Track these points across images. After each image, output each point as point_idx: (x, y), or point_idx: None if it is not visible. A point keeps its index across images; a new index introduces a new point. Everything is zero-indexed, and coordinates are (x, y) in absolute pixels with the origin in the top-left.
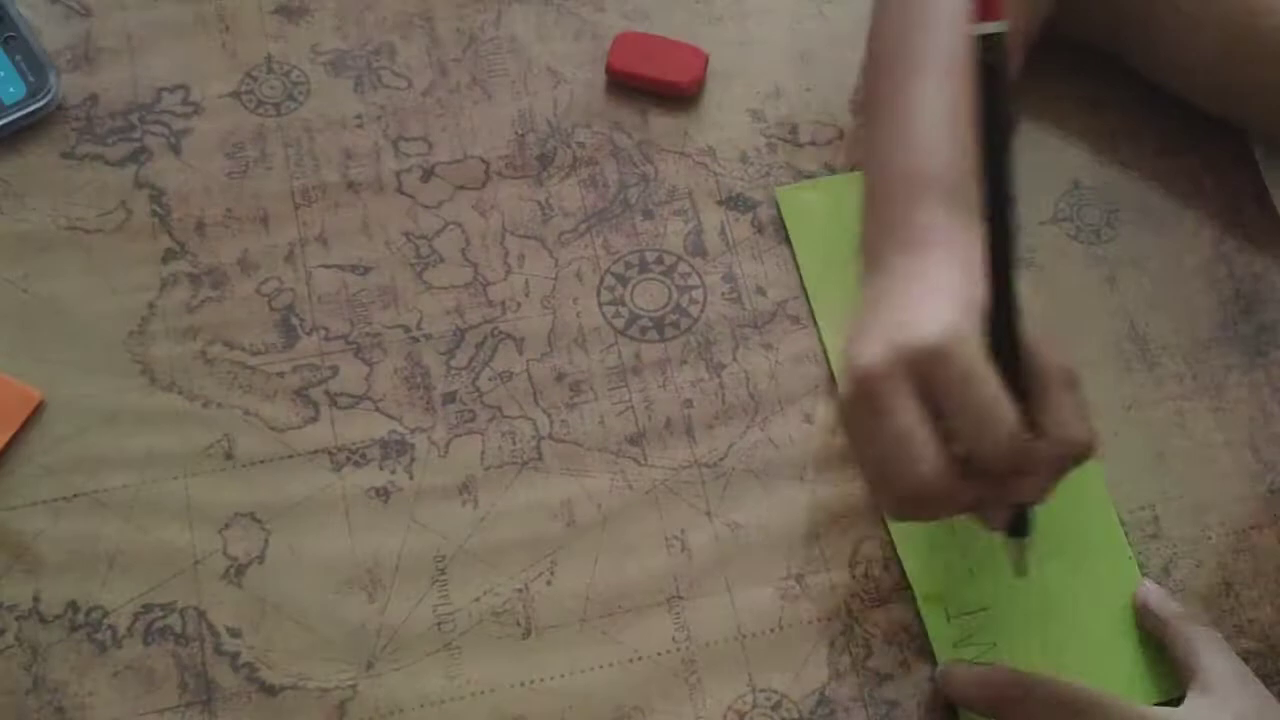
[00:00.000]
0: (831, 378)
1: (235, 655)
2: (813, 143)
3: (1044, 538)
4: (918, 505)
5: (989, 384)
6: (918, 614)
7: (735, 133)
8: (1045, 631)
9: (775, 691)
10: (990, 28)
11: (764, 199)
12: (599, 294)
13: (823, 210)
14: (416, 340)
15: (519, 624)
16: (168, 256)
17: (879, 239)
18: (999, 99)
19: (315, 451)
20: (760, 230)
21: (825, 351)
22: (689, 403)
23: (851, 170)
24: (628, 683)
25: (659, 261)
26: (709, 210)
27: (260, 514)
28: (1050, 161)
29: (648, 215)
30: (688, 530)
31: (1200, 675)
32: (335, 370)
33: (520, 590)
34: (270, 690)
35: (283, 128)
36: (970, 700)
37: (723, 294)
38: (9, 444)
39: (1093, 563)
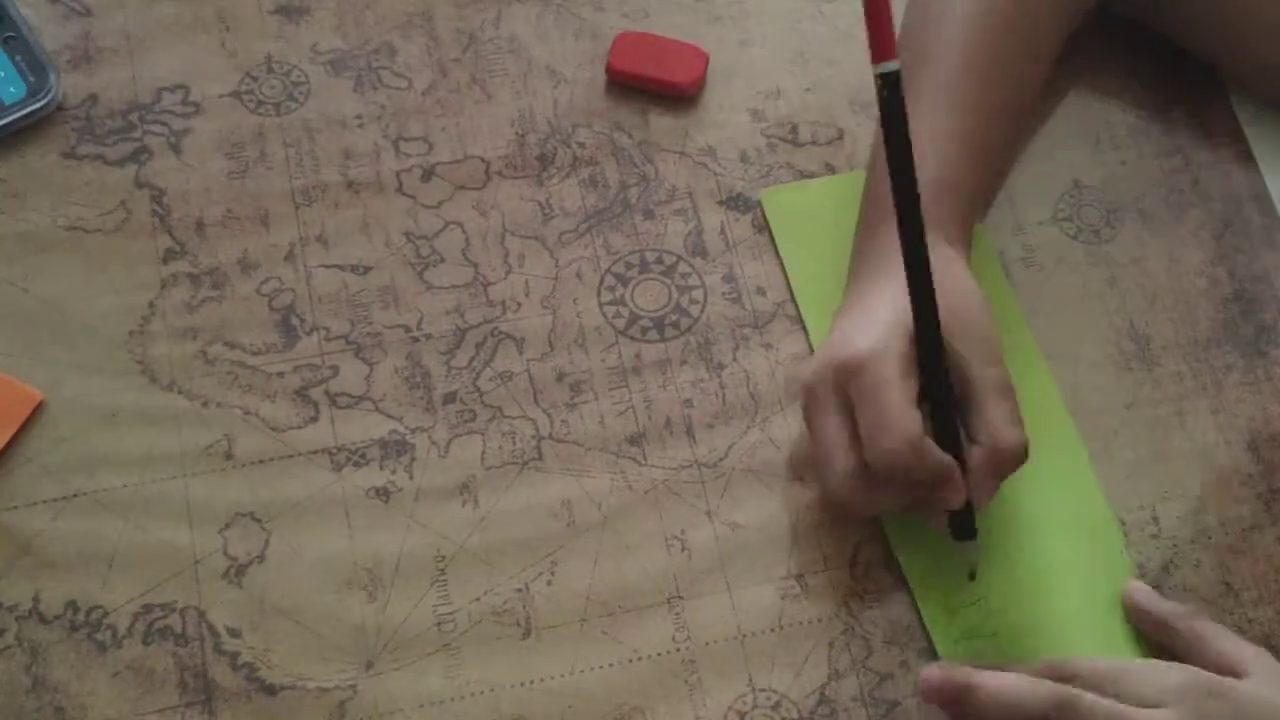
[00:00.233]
0: None
1: (235, 655)
2: (813, 142)
3: (1039, 530)
4: (837, 505)
5: (891, 394)
6: (918, 613)
7: (735, 132)
8: (1044, 622)
9: (775, 691)
10: (885, 68)
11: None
12: (599, 294)
13: (807, 212)
14: (417, 340)
15: (519, 624)
16: (168, 256)
17: (854, 254)
18: (900, 134)
19: (315, 451)
20: (760, 230)
21: (814, 351)
22: (689, 403)
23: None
24: (628, 683)
25: (659, 261)
26: (709, 210)
27: (260, 514)
28: (1050, 161)
29: (648, 215)
30: (688, 530)
31: (1239, 662)
32: (335, 370)
33: (520, 590)
34: (270, 690)
35: (283, 128)
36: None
37: (723, 294)
38: (9, 444)
39: (1090, 554)
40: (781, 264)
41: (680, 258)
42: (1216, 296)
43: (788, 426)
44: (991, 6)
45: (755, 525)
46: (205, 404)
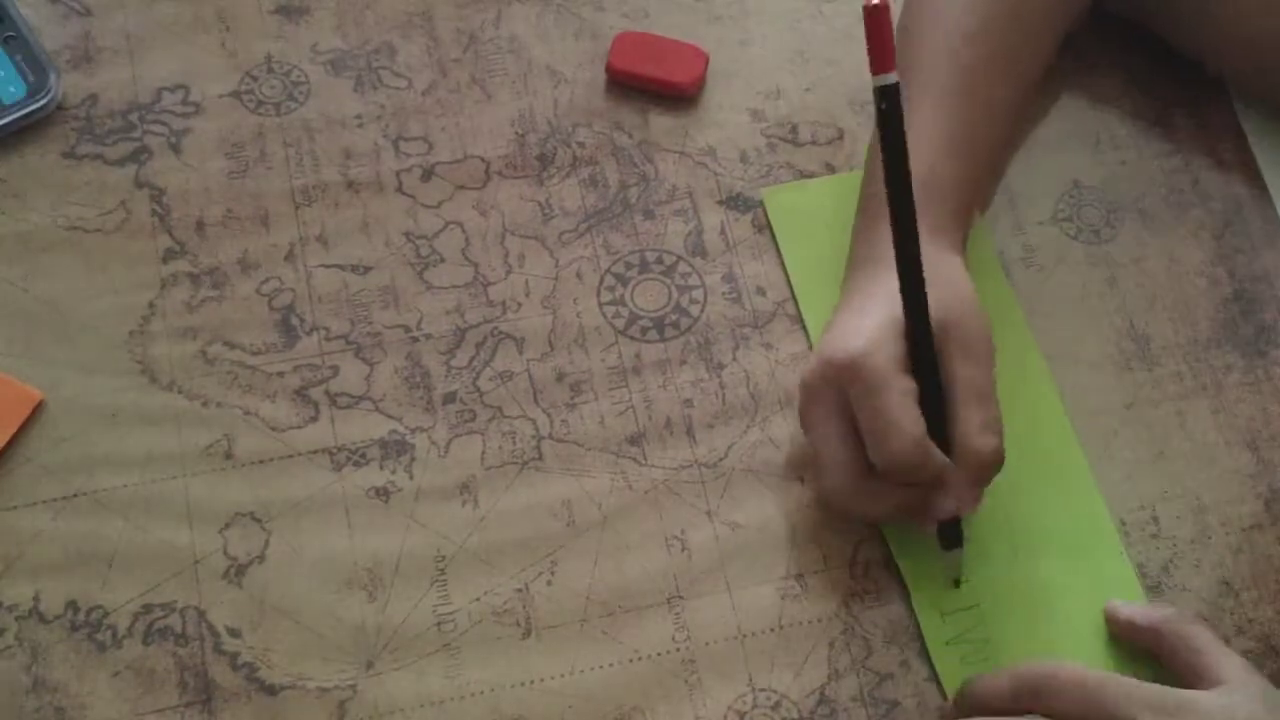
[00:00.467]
0: None
1: (235, 655)
2: (813, 142)
3: (1033, 535)
4: (831, 507)
5: (892, 395)
6: (914, 612)
7: (735, 132)
8: (1036, 628)
9: (775, 691)
10: (883, 80)
11: (764, 199)
12: (599, 294)
13: (809, 211)
14: (417, 340)
15: (519, 624)
16: (168, 256)
17: (851, 253)
18: (897, 145)
19: (315, 451)
20: (760, 230)
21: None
22: (689, 403)
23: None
24: (628, 683)
25: (659, 261)
26: (709, 210)
27: (260, 514)
28: (1050, 161)
29: (648, 215)
30: (688, 530)
31: (1213, 671)
32: (335, 370)
33: (520, 590)
34: (270, 690)
35: (283, 127)
36: (1002, 703)
37: (723, 294)
38: (9, 444)
39: (1084, 560)
40: (782, 263)
41: (680, 258)
42: (1216, 296)
43: (788, 426)
44: (988, 6)
45: (755, 525)
46: (205, 404)
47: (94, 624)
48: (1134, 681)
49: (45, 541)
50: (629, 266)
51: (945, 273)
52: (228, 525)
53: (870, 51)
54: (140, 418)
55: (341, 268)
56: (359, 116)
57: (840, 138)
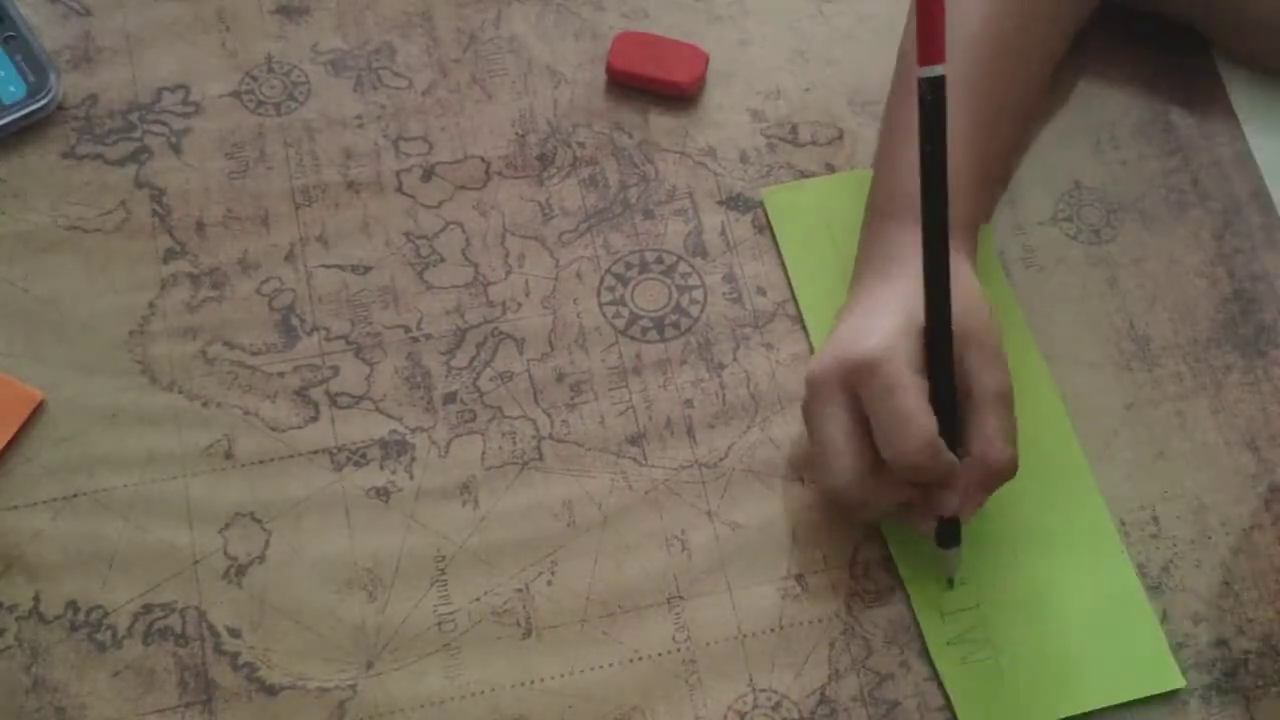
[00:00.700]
0: None
1: (235, 655)
2: (813, 142)
3: (1034, 535)
4: (835, 505)
5: (908, 395)
6: (915, 613)
7: (735, 132)
8: (1036, 628)
9: (775, 691)
10: (931, 72)
11: (764, 199)
12: (599, 294)
13: (809, 211)
14: (417, 340)
15: (519, 624)
16: (168, 256)
17: (860, 252)
18: (938, 137)
19: (316, 451)
20: (761, 230)
21: (814, 350)
22: (689, 403)
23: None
24: (628, 683)
25: (659, 261)
26: (709, 210)
27: (260, 514)
28: (1050, 161)
29: (648, 215)
30: (688, 530)
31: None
32: (336, 370)
33: (520, 590)
34: (270, 690)
35: (283, 127)
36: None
37: (723, 294)
38: (9, 444)
39: (1084, 560)
40: (783, 263)
41: (680, 258)
42: (1216, 296)
43: (788, 427)
44: (1000, 9)
45: (755, 525)
46: (205, 404)
47: (94, 624)
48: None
49: (45, 541)
50: (629, 267)
51: (959, 275)
52: (228, 525)
53: (920, 41)
54: (140, 418)
55: (342, 268)
56: (359, 116)
57: (840, 138)
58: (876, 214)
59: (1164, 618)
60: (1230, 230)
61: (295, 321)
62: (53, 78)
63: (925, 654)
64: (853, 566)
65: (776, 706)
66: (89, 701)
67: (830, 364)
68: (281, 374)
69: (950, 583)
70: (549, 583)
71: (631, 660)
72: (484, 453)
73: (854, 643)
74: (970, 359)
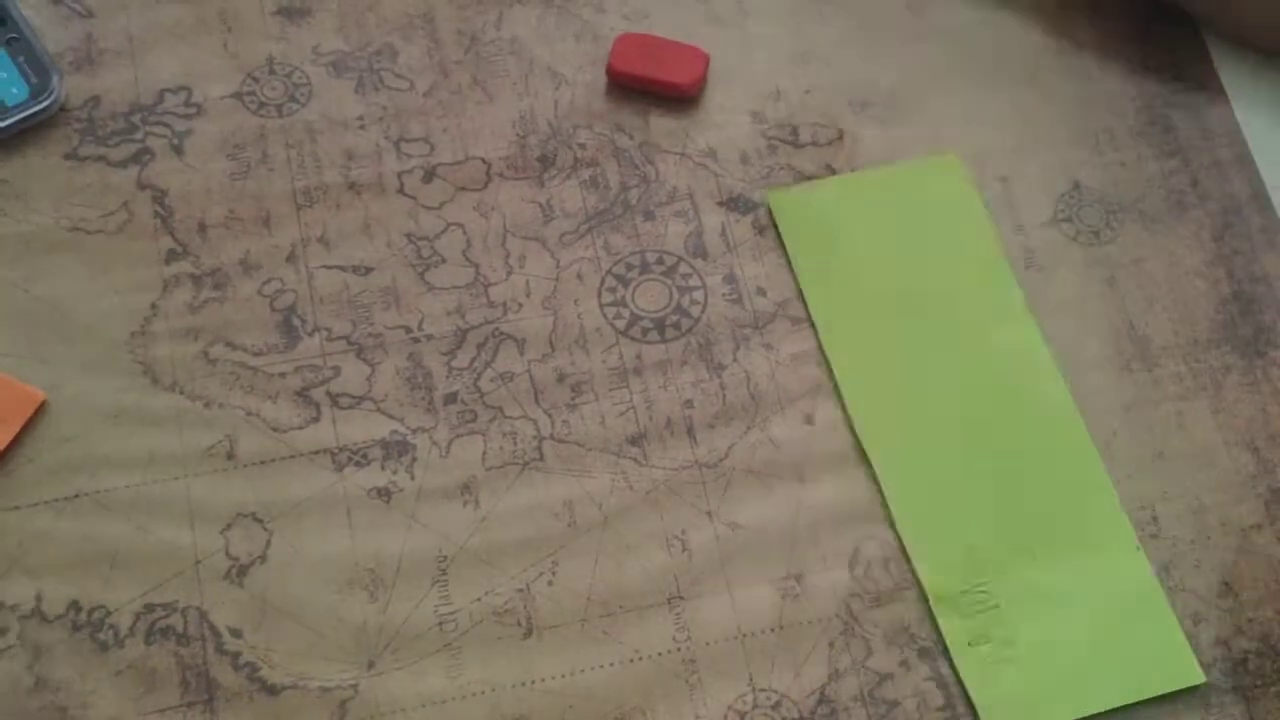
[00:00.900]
0: (831, 378)
1: (237, 655)
2: (813, 143)
3: (1050, 532)
4: None
5: None
6: (926, 615)
7: (736, 134)
8: (1055, 624)
9: (775, 691)
10: None
11: (764, 200)
12: (600, 295)
13: (814, 212)
14: (418, 341)
15: (520, 624)
16: (170, 257)
17: None
18: None
19: (317, 452)
20: (761, 232)
21: (823, 351)
22: (690, 403)
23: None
24: (628, 683)
25: (660, 262)
26: (710, 211)
27: (262, 514)
28: (1050, 162)
29: (648, 216)
30: (688, 530)
31: None
32: (337, 371)
33: (521, 590)
34: (272, 690)
35: (285, 129)
36: None
37: (723, 295)
38: (11, 444)
39: (1099, 555)
40: (787, 263)
41: (681, 258)
42: (1216, 297)
43: (788, 427)
44: None
45: (755, 525)
46: (207, 404)
47: (96, 624)
48: None
49: (47, 541)
50: (630, 267)
51: None
52: (229, 525)
53: None
54: (142, 418)
55: (343, 269)
56: (360, 118)
57: (840, 139)
58: None
59: None
60: (1230, 231)
61: (296, 322)
62: (55, 79)
63: (925, 654)
64: (853, 566)
65: (776, 706)
66: (91, 701)
67: None
68: (283, 374)
69: None
70: (550, 583)
71: (632, 660)
72: (485, 453)
73: (854, 643)
74: None
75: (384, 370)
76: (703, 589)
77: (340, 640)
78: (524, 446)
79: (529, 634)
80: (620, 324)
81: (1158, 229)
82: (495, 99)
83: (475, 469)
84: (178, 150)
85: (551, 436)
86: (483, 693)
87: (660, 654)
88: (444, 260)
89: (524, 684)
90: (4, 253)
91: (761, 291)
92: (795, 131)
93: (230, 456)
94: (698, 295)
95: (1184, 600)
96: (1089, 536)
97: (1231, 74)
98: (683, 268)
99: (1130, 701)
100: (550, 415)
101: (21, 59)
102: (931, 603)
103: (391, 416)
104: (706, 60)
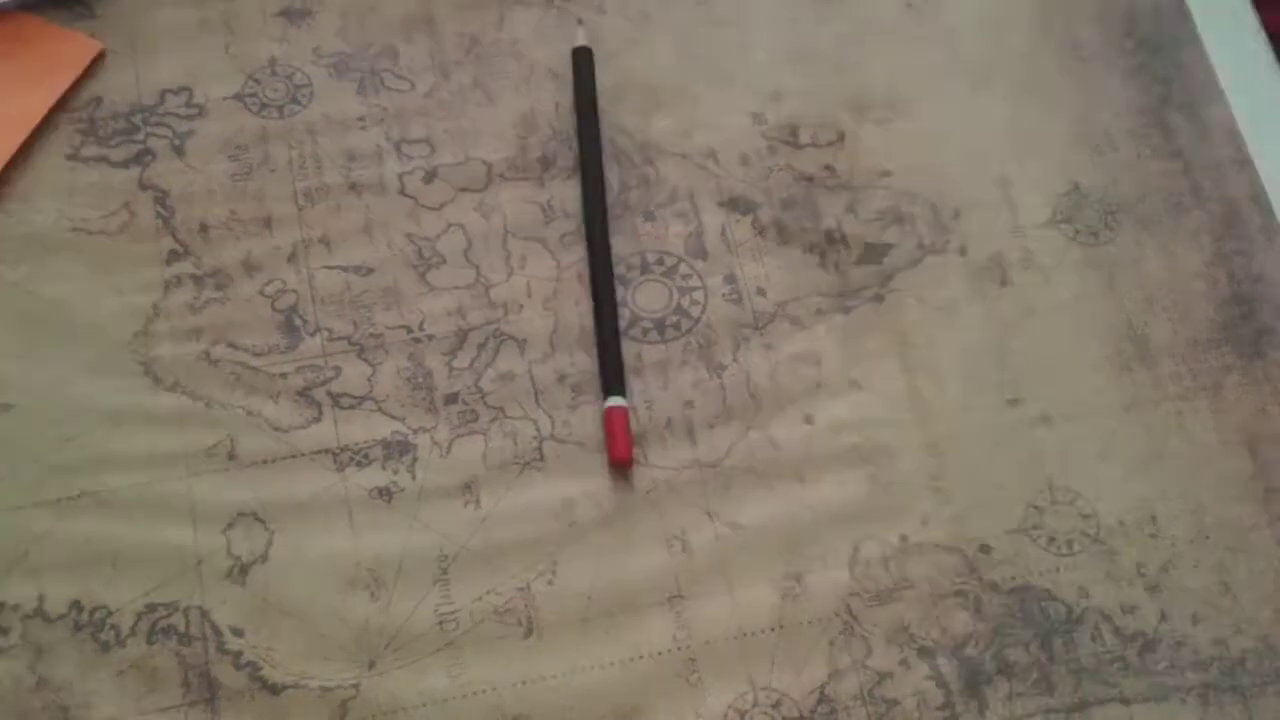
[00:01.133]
0: (830, 377)
1: (238, 654)
2: (813, 144)
3: None
4: None
5: None
6: (926, 614)
7: (736, 134)
8: None
9: (775, 690)
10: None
11: (764, 200)
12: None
13: None
14: (419, 341)
15: (521, 623)
16: (171, 258)
17: None
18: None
19: (318, 452)
20: (761, 232)
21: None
22: (689, 403)
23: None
24: (629, 682)
25: (660, 263)
26: (710, 212)
27: (263, 514)
28: (1049, 163)
29: (648, 217)
30: (688, 530)
31: None
32: (338, 371)
33: (522, 590)
34: (273, 689)
35: (286, 130)
36: None
37: (723, 295)
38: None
39: None
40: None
41: (681, 259)
42: (1215, 298)
43: (788, 427)
44: None
45: (755, 525)
46: (208, 405)
47: (97, 623)
48: None
49: (49, 541)
50: (630, 268)
51: None
52: (231, 525)
53: None
54: (144, 418)
55: (344, 269)
56: (361, 119)
57: (840, 140)
58: None
59: (1162, 617)
60: (1230, 232)
61: (298, 322)
62: None
63: (925, 654)
64: (853, 566)
65: (776, 705)
66: (93, 700)
67: None
68: (284, 375)
69: None
70: (550, 582)
71: (632, 659)
72: (486, 453)
73: (854, 642)
74: None
75: (385, 370)
76: (703, 589)
77: (341, 640)
78: (524, 446)
79: (530, 633)
80: (620, 324)
81: (1157, 229)
82: (496, 100)
83: (476, 469)
84: (179, 151)
85: (552, 436)
86: (483, 692)
87: (660, 653)
88: (445, 261)
89: (525, 683)
90: (5, 253)
91: (761, 292)
92: (795, 132)
93: (232, 456)
94: (698, 295)
95: (1183, 600)
96: None
97: (1231, 74)
98: (683, 268)
99: None
100: (551, 415)
101: None
102: None
103: (393, 416)
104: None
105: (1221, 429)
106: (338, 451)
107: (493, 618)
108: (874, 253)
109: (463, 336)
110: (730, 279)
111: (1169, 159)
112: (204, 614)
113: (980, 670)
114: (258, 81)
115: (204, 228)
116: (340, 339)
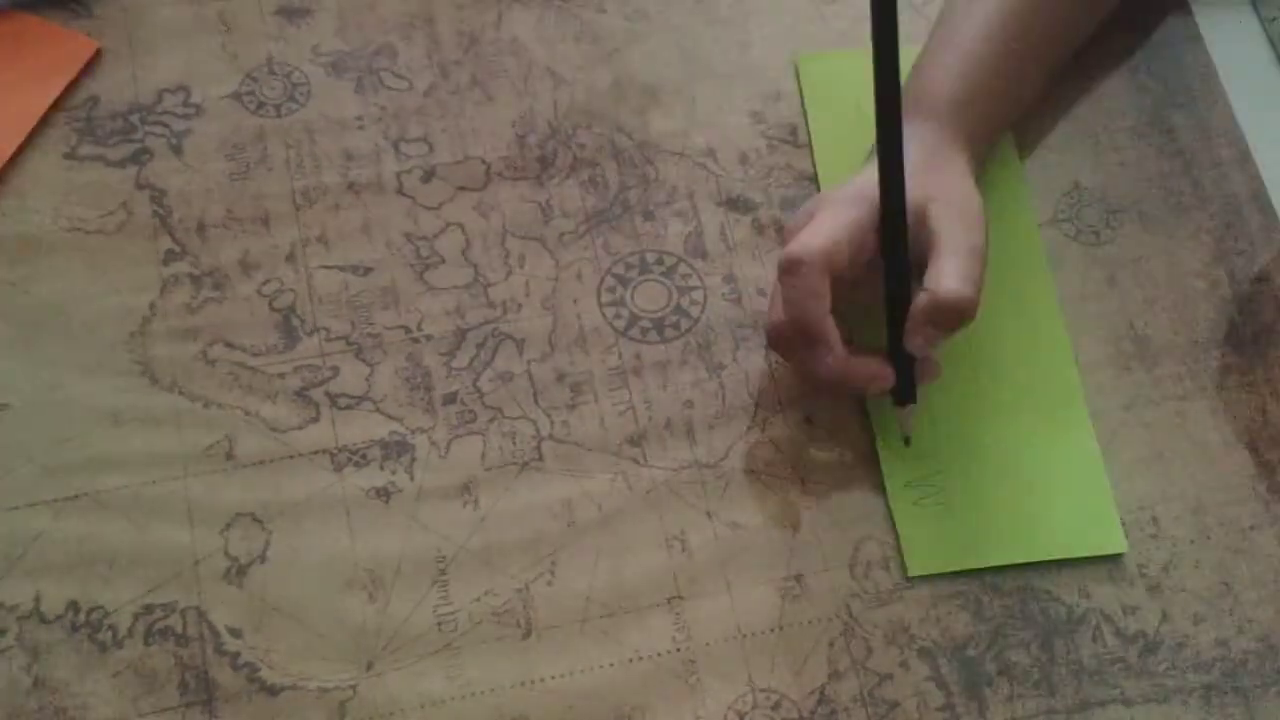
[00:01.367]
0: None
1: (236, 655)
2: (813, 144)
3: (1004, 390)
4: (775, 349)
5: (824, 215)
6: (926, 615)
7: (735, 134)
8: (994, 479)
9: (775, 691)
10: None
11: (764, 200)
12: (599, 295)
13: (840, 82)
14: (417, 341)
15: (519, 624)
16: (169, 257)
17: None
18: (888, 18)
19: (316, 452)
20: (760, 232)
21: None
22: (689, 403)
23: None
24: (628, 683)
25: (659, 263)
26: (709, 211)
27: (261, 514)
28: (1050, 162)
29: (648, 216)
30: (688, 530)
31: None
32: (336, 371)
33: (521, 590)
34: (271, 690)
35: (284, 129)
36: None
37: (723, 295)
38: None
39: (1048, 419)
40: (807, 132)
41: (680, 259)
42: (1216, 297)
43: (788, 427)
44: None
45: (755, 525)
46: (206, 405)
47: (95, 624)
48: None
49: (46, 542)
50: (629, 268)
51: (955, 174)
52: (228, 526)
53: None
54: (141, 418)
55: (342, 269)
56: (360, 118)
57: None
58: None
59: (1164, 618)
60: (1230, 231)
61: (296, 322)
62: None
63: (925, 654)
64: (853, 567)
65: (776, 706)
66: (90, 701)
67: (791, 249)
68: (282, 375)
69: (907, 440)
70: (549, 583)
71: (631, 660)
72: (484, 453)
73: (854, 643)
74: (943, 216)
75: (383, 370)
76: (703, 589)
77: (339, 641)
78: (523, 447)
79: (528, 634)
80: (620, 324)
81: (1158, 229)
82: (495, 99)
83: (475, 469)
84: (176, 150)
85: (551, 437)
86: (482, 693)
87: (660, 654)
88: (443, 260)
89: (524, 684)
90: (3, 253)
91: (761, 291)
92: (795, 131)
93: (229, 456)
94: (697, 295)
95: (1184, 600)
96: (1039, 400)
97: (1231, 73)
98: (682, 268)
99: (1047, 559)
100: (549, 415)
101: None
102: (878, 443)
103: (391, 417)
104: None
105: (1222, 428)
106: (335, 452)
107: (491, 619)
108: None
109: (461, 336)
110: (730, 279)
111: (1170, 158)
112: (201, 615)
113: (981, 671)
114: (255, 80)
115: (201, 227)
116: (338, 339)
